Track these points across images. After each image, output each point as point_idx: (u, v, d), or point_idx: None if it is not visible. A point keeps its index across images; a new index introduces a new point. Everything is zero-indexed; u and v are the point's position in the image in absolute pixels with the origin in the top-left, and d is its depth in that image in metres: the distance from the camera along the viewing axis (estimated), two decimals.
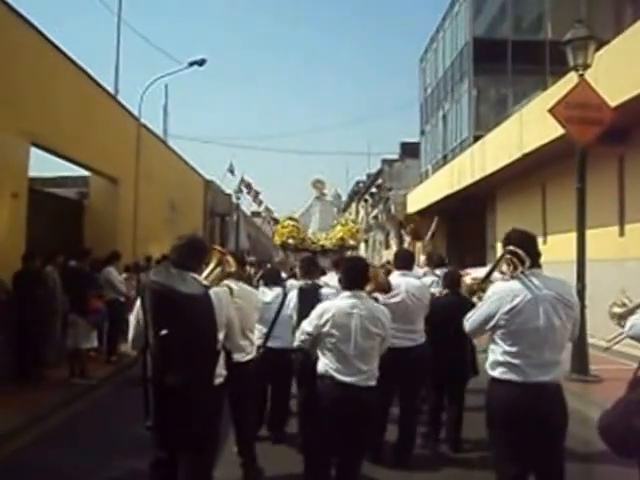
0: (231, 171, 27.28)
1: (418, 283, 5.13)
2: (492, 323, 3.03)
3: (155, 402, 3.00)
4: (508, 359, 2.97)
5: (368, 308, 3.56)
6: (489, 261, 16.19)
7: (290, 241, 14.35)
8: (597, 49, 8.35)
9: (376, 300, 4.14)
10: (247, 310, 4.30)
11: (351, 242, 15.05)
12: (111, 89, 15.41)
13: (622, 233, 10.43)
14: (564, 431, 3.05)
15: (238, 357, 4.05)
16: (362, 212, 46.97)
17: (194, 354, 2.93)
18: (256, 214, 44.93)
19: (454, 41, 23.92)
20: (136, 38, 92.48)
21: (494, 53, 21.53)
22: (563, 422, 3.04)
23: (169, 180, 18.34)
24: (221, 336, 3.15)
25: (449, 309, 4.98)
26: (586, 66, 8.09)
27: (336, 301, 3.63)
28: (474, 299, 3.32)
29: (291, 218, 15.13)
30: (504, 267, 3.12)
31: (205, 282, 3.13)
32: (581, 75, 8.10)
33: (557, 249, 12.33)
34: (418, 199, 24.07)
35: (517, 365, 2.95)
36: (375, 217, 37.90)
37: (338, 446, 3.54)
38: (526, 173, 13.91)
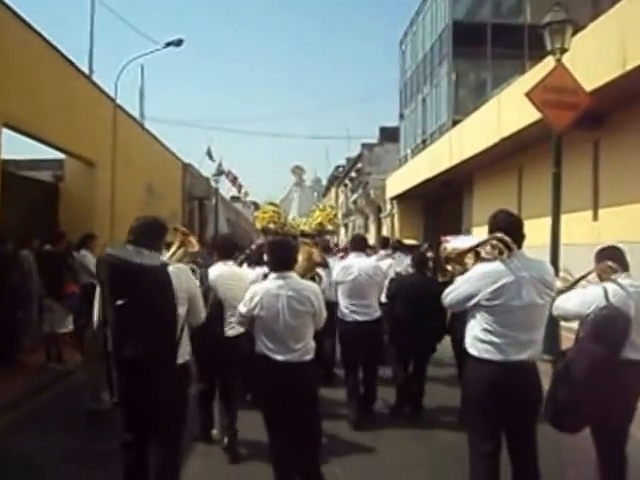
0: (209, 155, 27.04)
1: (371, 263, 5.74)
2: (473, 302, 3.08)
3: (118, 377, 3.01)
4: (489, 338, 3.03)
5: (295, 288, 3.64)
6: None
7: (271, 226, 14.62)
8: (574, 33, 8.40)
9: (318, 276, 4.46)
10: (237, 289, 4.49)
11: (329, 227, 15.35)
12: (85, 69, 15.11)
13: (596, 217, 10.60)
14: (539, 408, 3.14)
15: (231, 332, 4.56)
16: (342, 197, 47.00)
17: (151, 325, 2.94)
18: (236, 199, 44.77)
19: (434, 24, 23.87)
20: (111, 17, 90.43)
21: (474, 37, 21.56)
22: (538, 399, 3.14)
23: (147, 163, 18.09)
24: (182, 311, 3.17)
25: (415, 288, 5.54)
26: (563, 50, 8.15)
27: (264, 283, 3.76)
28: (448, 267, 3.40)
29: (272, 203, 15.45)
30: (487, 247, 3.16)
31: (163, 258, 3.20)
32: (558, 59, 8.16)
33: (532, 233, 12.42)
34: (397, 183, 24.15)
35: (497, 344, 3.01)
36: (355, 202, 37.95)
37: (291, 421, 3.61)
38: (503, 157, 14.02)
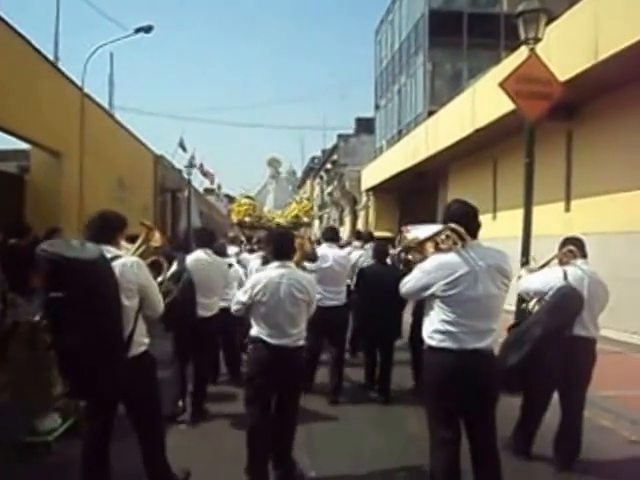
0: (182, 147, 26.67)
1: (342, 253, 6.37)
2: (429, 292, 3.15)
3: (63, 367, 3.10)
4: (446, 327, 3.09)
5: (295, 277, 3.88)
6: None
7: (247, 219, 14.76)
8: (548, 22, 8.47)
9: (304, 268, 4.64)
10: (213, 275, 5.22)
11: (305, 219, 15.54)
12: (51, 56, 14.78)
13: (568, 208, 10.78)
14: (497, 395, 3.24)
15: (202, 313, 5.05)
16: (317, 188, 46.97)
17: (90, 318, 2.98)
18: (209, 191, 44.32)
19: (410, 13, 23.89)
20: (79, 2, 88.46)
21: (450, 26, 21.66)
22: (496, 387, 3.24)
23: (117, 154, 17.83)
24: (129, 303, 3.19)
25: (377, 277, 5.93)
26: (537, 39, 8.19)
27: (266, 272, 3.94)
28: (408, 256, 3.51)
29: (248, 197, 15.52)
30: (443, 237, 3.20)
31: (119, 252, 3.28)
32: (531, 49, 8.22)
33: (506, 225, 12.64)
34: (373, 175, 24.19)
35: (454, 333, 3.07)
36: (330, 194, 37.96)
37: (274, 400, 3.88)
38: (478, 149, 14.14)
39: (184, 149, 26.37)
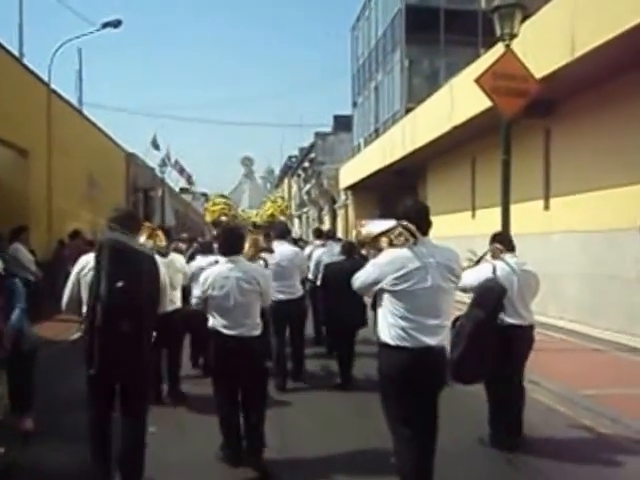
0: (155, 145, 26.30)
1: (291, 249, 6.70)
2: (379, 287, 3.24)
3: (100, 349, 3.32)
4: (398, 323, 3.18)
5: (243, 270, 4.17)
6: None
7: (222, 218, 14.80)
8: (524, 19, 8.47)
9: (265, 261, 5.09)
10: (171, 272, 5.32)
11: (281, 218, 15.61)
12: (15, 52, 14.40)
13: (547, 206, 10.82)
14: (441, 388, 3.33)
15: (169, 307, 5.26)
16: (295, 187, 46.84)
17: (142, 304, 3.40)
18: (185, 190, 43.88)
19: (386, 9, 23.85)
20: None
21: (427, 22, 21.64)
22: (444, 381, 3.36)
23: (86, 152, 17.47)
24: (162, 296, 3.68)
25: (343, 271, 6.05)
26: (512, 35, 8.18)
27: (216, 267, 4.26)
28: (363, 251, 3.76)
29: (222, 196, 15.55)
30: (396, 232, 3.31)
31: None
32: (507, 45, 8.21)
33: (485, 223, 12.66)
34: (350, 173, 24.16)
35: (406, 329, 3.16)
36: (308, 192, 37.86)
37: (238, 387, 4.20)
38: (456, 146, 14.17)
39: (157, 147, 26.00)
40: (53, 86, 14.97)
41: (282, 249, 6.45)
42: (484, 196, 12.93)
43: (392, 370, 3.22)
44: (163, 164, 24.81)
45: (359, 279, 3.40)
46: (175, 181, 37.19)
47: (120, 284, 3.27)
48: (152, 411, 3.97)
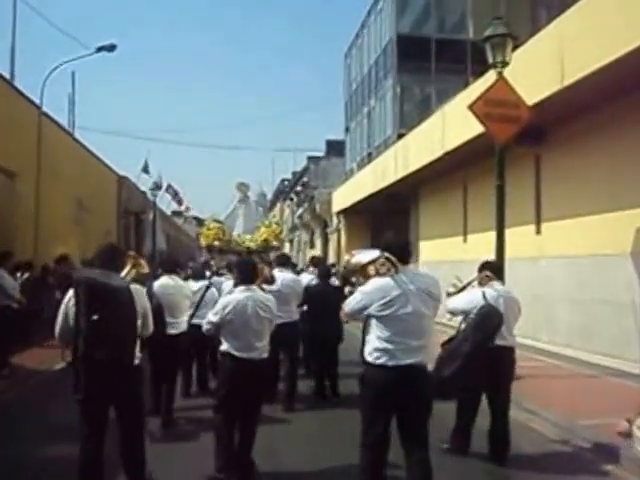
0: (146, 170, 26.23)
1: (291, 277, 7.23)
2: (367, 312, 3.62)
3: (86, 377, 3.67)
4: (383, 345, 3.54)
5: (259, 298, 4.57)
6: (413, 260, 16.50)
7: (216, 243, 14.89)
8: (514, 49, 8.61)
9: (263, 289, 5.35)
10: (178, 298, 6.07)
11: (275, 243, 15.75)
12: (6, 74, 14.44)
13: (539, 231, 10.87)
14: (430, 406, 3.67)
15: (171, 331, 5.81)
16: (287, 211, 46.90)
17: (118, 334, 3.72)
18: (177, 214, 43.73)
19: (379, 37, 24.25)
20: (38, 20, 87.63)
21: (418, 51, 22.00)
22: (429, 399, 3.69)
23: (76, 175, 17.43)
24: (139, 323, 3.93)
25: (321, 294, 7.21)
26: (505, 63, 8.30)
27: (234, 295, 4.59)
28: (352, 279, 4.28)
29: (217, 220, 15.62)
30: (379, 262, 3.74)
31: (127, 279, 4.00)
32: (499, 72, 8.32)
33: (476, 248, 12.69)
34: (343, 198, 24.24)
35: (390, 350, 3.52)
36: (300, 216, 37.89)
37: (240, 407, 4.48)
38: (448, 172, 14.26)
39: (147, 172, 25.95)
40: (45, 109, 15.00)
41: (284, 276, 6.92)
42: (476, 221, 12.98)
43: (376, 386, 3.57)
44: (155, 187, 24.70)
45: (349, 305, 3.77)
46: (167, 204, 37.16)
47: (95, 317, 3.58)
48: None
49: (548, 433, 5.62)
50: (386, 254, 3.70)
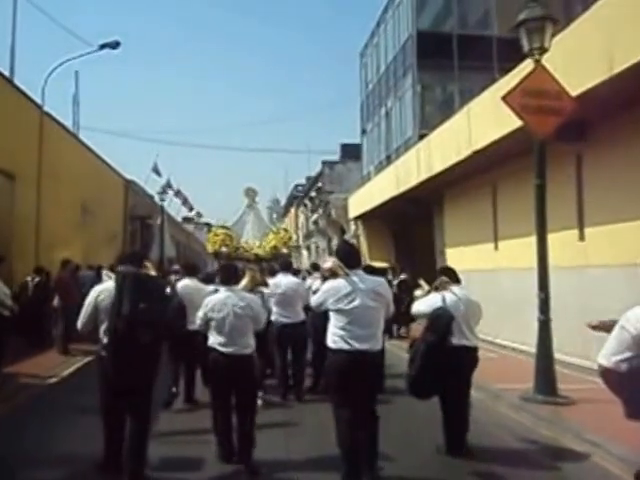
0: (156, 171, 25.90)
1: (294, 280, 7.95)
2: (324, 306, 4.58)
3: (121, 356, 4.24)
4: (339, 333, 4.41)
5: (240, 297, 5.18)
6: (439, 266, 15.77)
7: (223, 249, 14.95)
8: (553, 34, 7.95)
9: (262, 293, 6.50)
10: (196, 297, 6.41)
11: (284, 250, 15.56)
12: (6, 72, 14.05)
13: (582, 237, 10.05)
14: (380, 384, 4.84)
15: (191, 327, 6.20)
16: (302, 217, 46.37)
17: (157, 320, 4.41)
18: (189, 219, 43.36)
19: (396, 34, 23.68)
20: (42, 18, 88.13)
21: (439, 48, 21.43)
22: (379, 378, 4.84)
23: (80, 178, 17.04)
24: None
25: None
26: (543, 50, 7.65)
27: (217, 295, 5.29)
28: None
29: (224, 227, 15.66)
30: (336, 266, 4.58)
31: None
32: (537, 60, 7.66)
33: (510, 255, 11.96)
34: (360, 202, 23.55)
35: (344, 337, 4.38)
36: (315, 222, 37.33)
37: (231, 395, 5.07)
38: (475, 173, 13.53)
39: (158, 174, 25.60)
40: (47, 108, 14.61)
41: (286, 280, 7.64)
42: (508, 226, 12.24)
43: (336, 368, 4.40)
44: (163, 191, 24.27)
45: (313, 301, 4.85)
46: (177, 210, 36.77)
47: (142, 305, 4.24)
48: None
49: (613, 469, 4.95)
50: (337, 261, 4.58)
